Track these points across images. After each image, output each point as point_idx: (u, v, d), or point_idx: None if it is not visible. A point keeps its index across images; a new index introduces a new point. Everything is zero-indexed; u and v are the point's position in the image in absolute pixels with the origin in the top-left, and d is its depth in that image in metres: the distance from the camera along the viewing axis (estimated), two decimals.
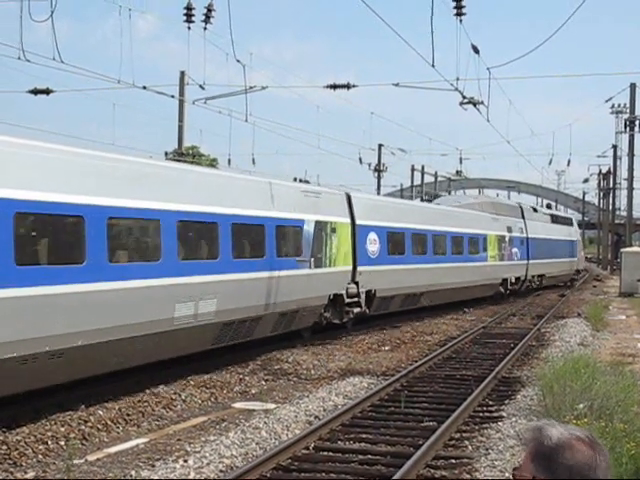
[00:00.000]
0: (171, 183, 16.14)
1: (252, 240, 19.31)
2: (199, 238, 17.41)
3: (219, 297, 17.21)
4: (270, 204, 19.96)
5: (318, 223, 22.34)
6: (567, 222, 60.01)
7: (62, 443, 11.88)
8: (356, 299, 24.74)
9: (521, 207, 47.88)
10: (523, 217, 45.95)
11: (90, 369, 14.22)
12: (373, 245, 26.07)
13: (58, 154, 13.44)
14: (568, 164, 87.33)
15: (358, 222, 25.16)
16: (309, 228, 21.85)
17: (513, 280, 42.38)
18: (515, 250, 42.82)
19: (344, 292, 24.03)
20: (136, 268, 14.83)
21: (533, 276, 46.61)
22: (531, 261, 45.51)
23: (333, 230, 23.31)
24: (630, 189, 54.37)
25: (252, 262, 18.90)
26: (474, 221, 37.26)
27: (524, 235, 44.79)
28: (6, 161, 12.29)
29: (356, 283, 24.75)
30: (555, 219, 56.02)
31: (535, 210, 52.58)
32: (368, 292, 25.53)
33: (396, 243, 28.16)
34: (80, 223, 13.45)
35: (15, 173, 12.38)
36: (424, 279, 30.02)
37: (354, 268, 24.68)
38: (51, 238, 13.31)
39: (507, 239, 41.44)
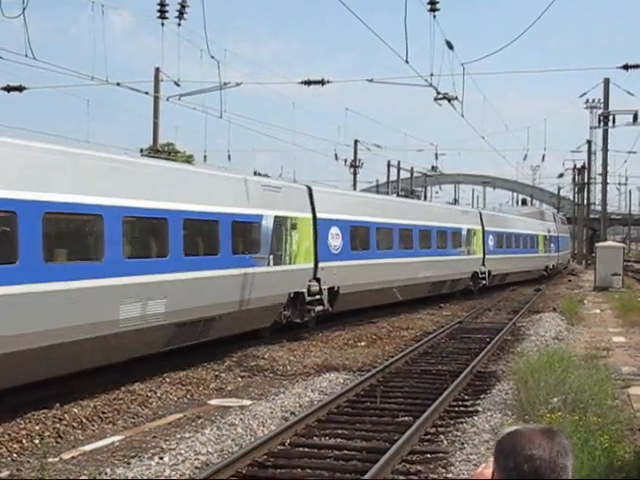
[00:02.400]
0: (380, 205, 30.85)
1: (408, 238, 32.44)
2: (388, 238, 30.13)
3: (398, 273, 29.94)
4: (434, 218, 35.04)
5: (469, 230, 38.89)
6: (564, 221, 76.88)
7: (37, 441, 11.82)
8: (483, 275, 41.02)
9: (553, 214, 68.49)
10: (555, 220, 65.08)
11: (375, 301, 28.99)
12: (492, 241, 42.87)
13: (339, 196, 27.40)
14: (543, 159, 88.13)
15: (486, 228, 41.84)
16: (464, 233, 38.31)
17: (550, 267, 59.27)
18: (552, 245, 60.50)
19: (478, 270, 40.52)
20: (380, 253, 28.62)
21: (559, 263, 64.38)
22: (559, 253, 63.72)
23: (474, 233, 39.90)
24: (604, 184, 54.62)
25: (405, 251, 31.47)
26: (532, 225, 55.03)
27: (555, 234, 62.58)
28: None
29: (484, 265, 41.11)
30: (561, 220, 73.79)
31: (557, 214, 73.15)
32: (489, 271, 41.55)
33: (500, 241, 44.72)
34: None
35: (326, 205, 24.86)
36: (512, 264, 46.64)
37: (484, 255, 41.20)
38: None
39: (548, 238, 58.83)
